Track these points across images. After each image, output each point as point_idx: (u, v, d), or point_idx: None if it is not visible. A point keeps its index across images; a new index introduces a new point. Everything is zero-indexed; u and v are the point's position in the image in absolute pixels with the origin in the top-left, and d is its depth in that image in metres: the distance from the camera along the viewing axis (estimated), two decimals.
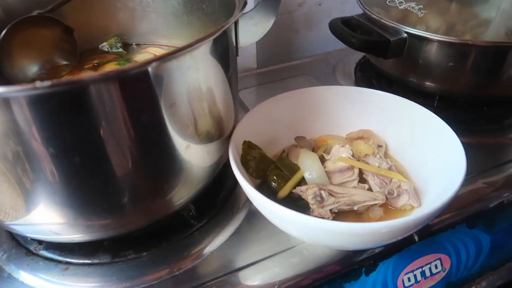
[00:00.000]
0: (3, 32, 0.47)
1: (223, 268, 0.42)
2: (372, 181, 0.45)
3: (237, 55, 0.45)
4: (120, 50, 0.59)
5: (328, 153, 0.49)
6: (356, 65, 0.81)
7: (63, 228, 0.37)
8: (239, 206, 0.50)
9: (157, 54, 0.57)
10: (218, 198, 0.50)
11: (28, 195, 0.33)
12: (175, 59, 0.33)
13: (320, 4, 0.89)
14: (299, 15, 0.88)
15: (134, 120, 0.33)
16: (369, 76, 0.77)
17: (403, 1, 0.69)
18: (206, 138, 0.41)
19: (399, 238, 0.38)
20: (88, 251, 0.44)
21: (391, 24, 0.61)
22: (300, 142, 0.51)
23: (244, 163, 0.46)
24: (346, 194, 0.43)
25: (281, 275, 0.42)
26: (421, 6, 0.67)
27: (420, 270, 0.47)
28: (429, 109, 0.48)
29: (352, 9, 0.71)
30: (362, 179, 0.46)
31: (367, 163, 0.47)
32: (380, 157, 0.48)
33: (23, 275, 0.42)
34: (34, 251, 0.44)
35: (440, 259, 0.48)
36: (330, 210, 0.42)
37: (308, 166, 0.46)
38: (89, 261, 0.43)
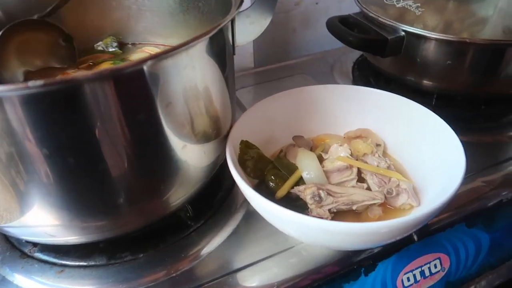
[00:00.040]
0: None
1: (221, 269, 0.42)
2: (371, 180, 0.45)
3: (234, 54, 0.45)
4: (116, 49, 0.59)
5: (326, 152, 0.49)
6: (353, 64, 0.81)
7: (58, 230, 0.37)
8: (236, 206, 0.49)
9: (153, 53, 0.57)
10: (215, 199, 0.50)
11: (22, 197, 0.33)
12: (171, 57, 0.32)
13: (317, 3, 0.89)
14: (296, 14, 0.88)
15: (130, 119, 0.32)
16: (366, 75, 0.77)
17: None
18: (203, 137, 0.40)
19: (398, 237, 0.38)
20: (83, 253, 0.43)
21: (388, 23, 0.61)
22: (298, 141, 0.51)
23: (242, 163, 0.45)
24: (345, 194, 0.43)
25: (279, 276, 0.41)
26: (419, 4, 0.67)
27: (420, 269, 0.47)
28: (427, 107, 0.48)
29: (349, 8, 0.71)
30: (360, 179, 0.46)
31: (366, 162, 0.47)
32: (379, 156, 0.48)
33: (18, 278, 0.42)
34: (29, 254, 0.44)
35: (439, 258, 0.48)
36: (329, 210, 0.42)
37: (306, 165, 0.45)
38: (84, 263, 0.43)
